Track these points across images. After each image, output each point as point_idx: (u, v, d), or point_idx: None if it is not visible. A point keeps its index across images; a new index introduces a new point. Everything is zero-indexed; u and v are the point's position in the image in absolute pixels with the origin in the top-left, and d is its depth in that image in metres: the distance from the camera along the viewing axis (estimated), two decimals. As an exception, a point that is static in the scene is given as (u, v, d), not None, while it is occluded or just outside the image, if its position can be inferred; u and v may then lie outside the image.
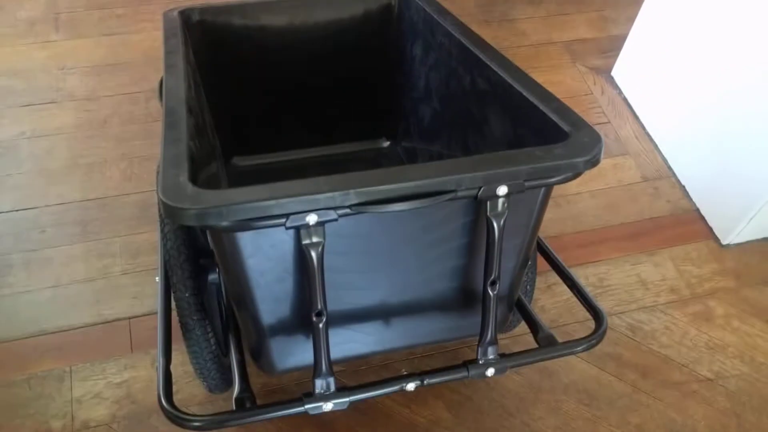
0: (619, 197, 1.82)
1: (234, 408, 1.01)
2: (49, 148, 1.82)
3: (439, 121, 1.43)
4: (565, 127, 0.96)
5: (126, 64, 2.05)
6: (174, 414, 0.96)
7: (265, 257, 0.90)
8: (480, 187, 0.87)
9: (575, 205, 1.79)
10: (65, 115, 1.90)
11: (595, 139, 0.92)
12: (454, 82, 1.32)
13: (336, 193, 0.82)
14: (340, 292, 0.99)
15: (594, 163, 0.91)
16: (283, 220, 0.82)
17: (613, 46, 2.19)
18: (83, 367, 1.42)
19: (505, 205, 0.91)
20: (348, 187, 0.82)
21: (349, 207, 0.83)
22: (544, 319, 1.52)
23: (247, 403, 1.02)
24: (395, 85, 1.57)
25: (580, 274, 1.64)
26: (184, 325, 1.12)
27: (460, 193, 0.87)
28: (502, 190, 0.88)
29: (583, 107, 2.01)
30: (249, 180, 1.52)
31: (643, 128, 1.98)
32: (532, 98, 1.04)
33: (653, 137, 1.95)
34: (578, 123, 0.96)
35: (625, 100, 2.05)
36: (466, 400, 1.41)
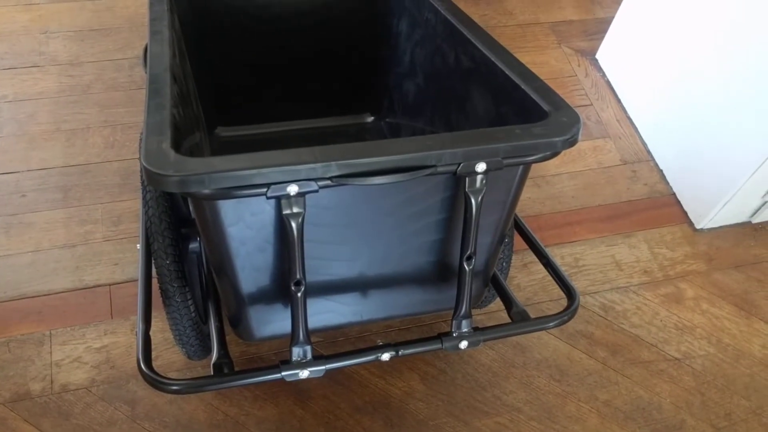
0: (598, 179, 1.84)
1: (212, 373, 1.03)
2: (31, 113, 1.81)
3: (423, 97, 1.44)
4: (545, 107, 0.97)
5: (110, 29, 2.04)
6: (153, 378, 0.98)
7: (245, 226, 0.92)
8: (459, 164, 0.89)
9: (554, 185, 1.81)
10: (48, 79, 1.89)
11: (574, 120, 0.94)
12: (438, 58, 1.33)
13: (317, 165, 0.83)
14: (320, 262, 1.01)
15: (572, 142, 0.93)
16: (264, 190, 0.84)
17: (598, 29, 2.21)
18: (63, 332, 1.43)
19: (484, 181, 0.93)
20: (329, 158, 0.84)
21: (330, 179, 0.85)
22: (519, 297, 1.55)
23: (224, 368, 1.04)
24: (380, 61, 1.57)
25: (556, 254, 1.67)
26: (164, 292, 1.13)
27: (439, 169, 0.88)
28: (481, 166, 0.90)
29: (566, 89, 2.03)
30: (231, 150, 1.52)
31: (625, 112, 2.01)
32: (514, 77, 1.06)
33: (634, 121, 1.98)
34: (558, 103, 0.98)
35: (608, 83, 2.08)
36: (440, 372, 1.44)
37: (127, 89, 1.89)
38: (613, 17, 2.03)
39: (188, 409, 1.35)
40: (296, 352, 0.99)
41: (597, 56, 2.14)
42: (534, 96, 1.00)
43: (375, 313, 1.14)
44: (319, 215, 0.94)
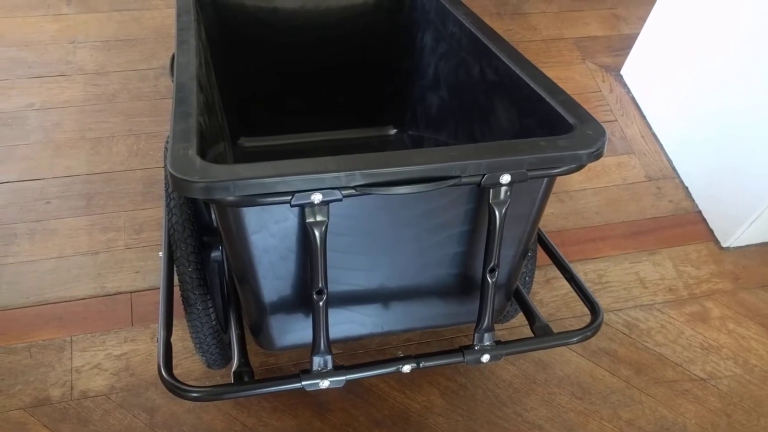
0: (622, 195, 1.83)
1: (232, 381, 1.03)
2: (57, 121, 1.83)
3: (447, 110, 1.44)
4: (571, 120, 0.97)
5: (137, 40, 2.06)
6: (173, 385, 0.97)
7: (269, 234, 0.91)
8: (484, 175, 0.88)
9: (578, 201, 1.80)
10: (74, 88, 1.91)
11: (599, 133, 0.93)
12: (463, 71, 1.33)
13: (342, 173, 0.83)
14: (341, 272, 1.01)
15: (597, 155, 0.92)
16: (289, 198, 0.84)
17: (623, 45, 2.20)
18: (84, 338, 1.43)
19: (508, 193, 0.92)
20: (354, 167, 0.84)
21: (354, 188, 0.84)
22: (542, 312, 1.53)
23: (245, 377, 1.04)
24: (404, 73, 1.57)
25: (579, 270, 1.65)
26: (186, 299, 1.13)
27: (463, 180, 0.88)
28: (506, 178, 0.89)
29: (590, 104, 2.02)
30: (254, 161, 1.54)
31: (650, 128, 1.99)
32: (539, 90, 1.05)
33: (659, 137, 1.96)
34: (584, 116, 0.97)
35: (632, 99, 2.06)
36: (461, 388, 1.43)
37: (152, 99, 1.91)
38: (638, 33, 2.02)
39: (206, 419, 1.34)
40: (317, 362, 0.98)
41: (621, 72, 2.12)
42: (559, 109, 0.99)
43: (396, 325, 1.13)
44: (342, 224, 0.93)
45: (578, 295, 1.19)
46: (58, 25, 2.08)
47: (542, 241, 1.32)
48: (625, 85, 2.10)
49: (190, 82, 1.04)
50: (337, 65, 1.58)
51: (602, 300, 1.60)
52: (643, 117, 2.01)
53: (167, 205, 1.15)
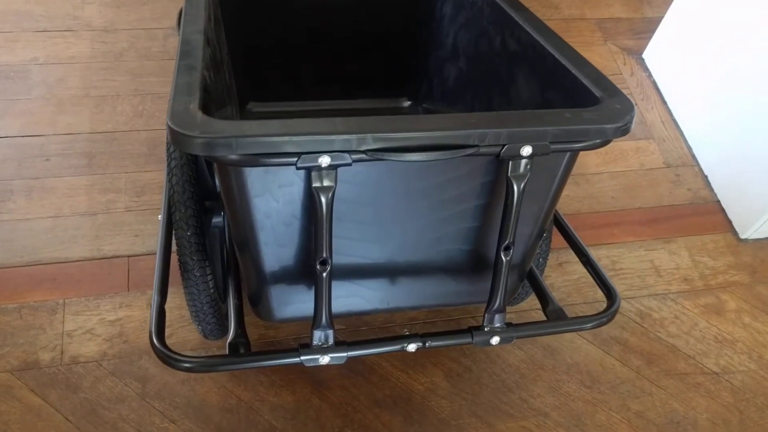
0: (639, 181, 1.77)
1: (227, 353, 0.98)
2: (61, 77, 1.77)
3: (464, 82, 1.38)
4: (597, 93, 0.91)
5: (147, -1, 2.00)
6: (164, 353, 0.93)
7: (272, 198, 0.86)
8: (504, 145, 0.83)
9: (594, 185, 1.74)
10: (81, 44, 1.85)
11: (627, 107, 0.88)
12: (483, 42, 1.27)
13: (353, 136, 0.78)
14: (347, 242, 0.96)
15: (624, 131, 0.86)
16: (295, 159, 0.78)
17: (646, 28, 2.13)
18: (77, 301, 1.39)
19: (528, 166, 0.86)
20: (366, 130, 0.78)
21: (365, 152, 0.79)
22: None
23: (241, 348, 0.99)
24: (421, 44, 1.51)
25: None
26: (183, 265, 1.08)
27: (482, 149, 0.82)
28: (527, 150, 0.84)
29: (610, 86, 1.95)
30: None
31: (670, 114, 1.93)
32: (564, 61, 1.00)
33: (680, 124, 1.90)
34: (611, 89, 0.91)
35: (654, 83, 1.99)
36: (465, 370, 1.38)
37: (160, 59, 1.85)
38: (662, 17, 1.95)
39: (201, 391, 1.30)
40: (318, 336, 0.93)
41: (644, 56, 2.05)
42: (585, 81, 0.94)
43: (402, 301, 1.08)
44: (351, 191, 0.88)
45: (595, 280, 1.13)
46: (67, -21, 2.02)
47: (558, 223, 1.26)
48: (646, 69, 2.03)
49: (196, 36, 0.98)
50: (353, 33, 1.52)
51: (615, 286, 1.55)
52: (664, 102, 1.95)
53: (168, 164, 1.10)
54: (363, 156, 0.79)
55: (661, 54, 1.99)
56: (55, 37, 1.86)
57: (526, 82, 1.12)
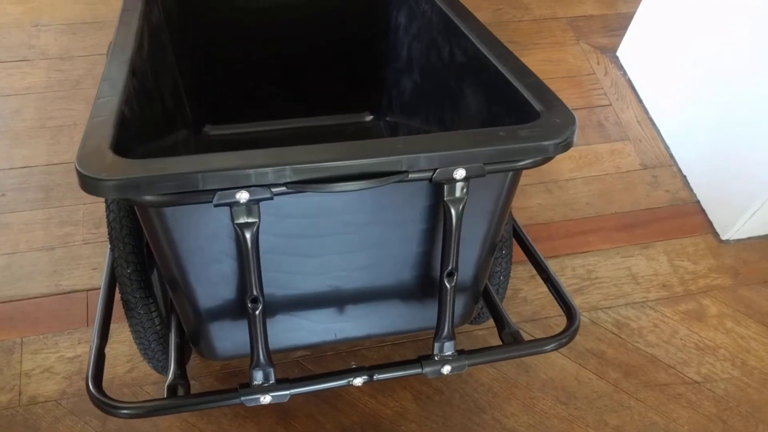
0: (615, 185, 1.72)
1: (165, 395, 0.94)
2: (16, 108, 1.73)
3: (419, 94, 1.34)
4: (537, 106, 0.86)
5: (104, 22, 1.95)
6: (100, 400, 0.89)
7: (196, 236, 0.82)
8: (435, 169, 0.78)
9: (567, 191, 1.69)
10: (36, 74, 1.81)
11: (568, 121, 0.83)
12: (434, 53, 1.23)
13: (270, 169, 0.73)
14: (287, 276, 0.92)
15: (565, 146, 0.81)
16: (210, 197, 0.74)
17: (620, 25, 2.08)
18: (35, 339, 1.35)
19: (464, 190, 0.82)
20: (284, 162, 0.74)
21: (284, 185, 0.75)
22: (526, 311, 1.45)
23: (180, 390, 0.95)
24: (379, 55, 1.47)
25: (567, 265, 1.55)
26: (125, 303, 1.04)
27: (411, 176, 0.78)
28: (460, 173, 0.79)
29: (584, 88, 1.90)
30: (219, 150, 1.45)
31: (647, 113, 1.88)
32: (506, 73, 0.95)
33: (656, 123, 1.85)
34: (552, 101, 0.87)
35: (629, 82, 1.94)
36: (436, 392, 1.33)
37: (119, 85, 1.81)
38: (635, 12, 1.90)
39: (163, 426, 1.26)
40: (257, 375, 0.89)
41: (618, 53, 2.00)
42: (525, 93, 0.89)
43: (351, 332, 1.04)
44: (282, 224, 0.84)
45: (554, 297, 1.09)
46: (23, 7, 1.97)
47: (518, 236, 1.22)
48: (621, 68, 1.98)
49: (119, 68, 0.94)
50: (309, 48, 1.47)
51: (591, 297, 1.50)
52: (640, 101, 1.90)
53: (105, 201, 1.06)
54: (283, 189, 0.75)
55: (636, 51, 1.94)
56: (10, 68, 1.82)
57: (473, 95, 1.07)
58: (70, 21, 1.95)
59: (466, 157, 0.78)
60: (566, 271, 1.55)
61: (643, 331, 1.46)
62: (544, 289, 1.48)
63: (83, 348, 1.34)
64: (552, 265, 1.53)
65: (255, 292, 0.83)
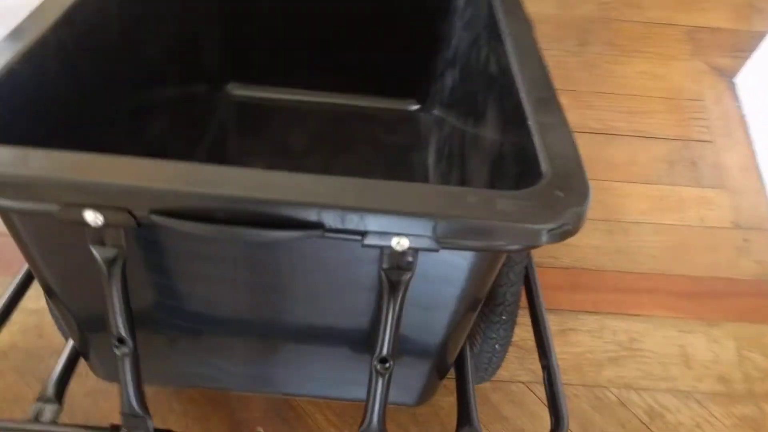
0: (694, 240, 1.43)
1: (29, 417, 0.78)
2: None
3: (455, 97, 1.11)
4: (543, 163, 0.62)
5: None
6: None
7: (54, 247, 0.64)
8: (365, 232, 0.56)
9: (630, 235, 1.42)
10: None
11: (577, 196, 0.58)
12: (474, 51, 1.00)
13: (126, 188, 0.54)
14: (190, 310, 0.72)
15: (563, 234, 0.57)
16: (57, 208, 0.55)
17: (749, 46, 1.74)
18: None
19: (411, 260, 0.59)
20: (150, 180, 0.54)
21: (150, 213, 0.55)
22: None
23: (46, 414, 0.78)
24: (434, 38, 1.24)
25: (607, 325, 1.30)
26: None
27: (329, 234, 0.56)
28: (402, 242, 0.57)
29: (684, 114, 1.59)
30: (242, 116, 1.28)
31: (755, 158, 1.56)
32: (527, 104, 0.70)
33: (764, 175, 1.54)
34: (565, 160, 0.62)
35: (742, 117, 1.63)
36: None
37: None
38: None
39: (105, 408, 1.11)
40: (128, 422, 0.71)
41: (736, 80, 1.68)
42: (536, 139, 0.65)
43: (274, 387, 0.84)
44: (173, 259, 0.64)
45: (546, 393, 0.85)
46: None
47: (528, 285, 0.97)
48: (737, 98, 1.65)
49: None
50: (360, 14, 1.27)
51: (627, 371, 1.24)
52: (750, 144, 1.58)
53: None
54: (148, 218, 0.55)
55: (760, 81, 1.61)
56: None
57: (494, 119, 0.83)
58: None
59: (412, 226, 0.56)
60: (605, 333, 1.29)
61: (681, 428, 1.19)
62: (573, 349, 1.27)
63: None
64: (590, 322, 1.29)
65: (121, 333, 0.64)
